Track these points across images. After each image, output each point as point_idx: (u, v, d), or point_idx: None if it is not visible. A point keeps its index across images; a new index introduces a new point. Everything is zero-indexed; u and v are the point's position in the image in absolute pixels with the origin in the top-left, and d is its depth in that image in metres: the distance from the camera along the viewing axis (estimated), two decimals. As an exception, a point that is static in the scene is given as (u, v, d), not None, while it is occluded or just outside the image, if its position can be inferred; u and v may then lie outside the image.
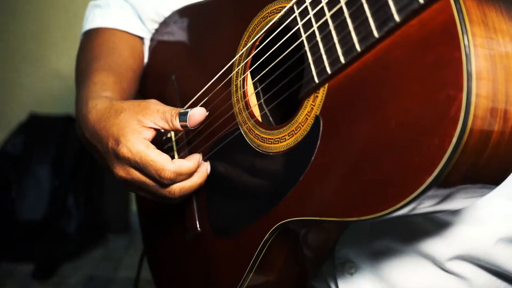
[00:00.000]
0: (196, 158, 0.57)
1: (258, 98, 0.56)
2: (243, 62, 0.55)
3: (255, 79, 0.56)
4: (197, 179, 0.57)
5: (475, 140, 0.33)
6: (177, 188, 0.55)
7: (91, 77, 0.66)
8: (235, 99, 0.56)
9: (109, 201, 2.25)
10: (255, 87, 0.56)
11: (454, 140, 0.32)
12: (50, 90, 2.34)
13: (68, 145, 2.15)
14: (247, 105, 0.54)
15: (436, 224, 0.57)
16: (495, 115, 0.34)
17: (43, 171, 2.09)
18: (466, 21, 0.32)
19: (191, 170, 0.56)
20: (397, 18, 0.35)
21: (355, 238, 0.61)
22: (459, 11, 0.32)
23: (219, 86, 0.58)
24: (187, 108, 0.56)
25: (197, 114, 0.54)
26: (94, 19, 0.76)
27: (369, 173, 0.39)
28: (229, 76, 0.57)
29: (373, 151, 0.38)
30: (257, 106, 0.55)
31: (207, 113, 0.56)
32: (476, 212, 0.56)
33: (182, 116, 0.54)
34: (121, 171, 0.56)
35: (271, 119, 0.58)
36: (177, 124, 0.55)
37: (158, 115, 0.55)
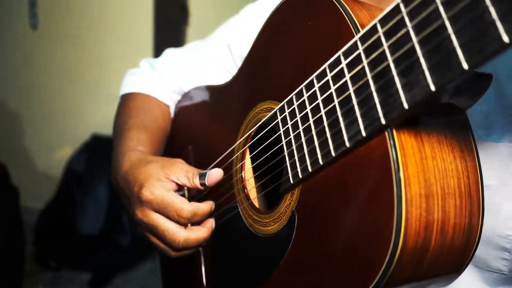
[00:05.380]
0: (210, 203, 0.63)
1: (255, 182, 0.62)
2: (241, 149, 0.62)
3: (252, 165, 0.62)
4: (201, 233, 0.62)
5: (409, 254, 0.37)
6: (182, 238, 0.60)
7: (128, 133, 0.75)
8: (235, 180, 0.63)
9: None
10: (254, 172, 0.62)
11: (387, 256, 0.37)
12: (111, 113, 2.49)
13: (125, 165, 2.27)
14: (244, 188, 0.61)
15: None
16: (431, 231, 0.38)
17: (102, 189, 2.22)
18: (399, 156, 0.37)
19: (205, 212, 0.62)
20: (347, 144, 0.40)
21: None
22: (393, 146, 0.37)
23: (224, 166, 0.65)
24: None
25: (215, 174, 0.62)
26: (130, 85, 0.85)
27: (330, 271, 0.43)
28: (230, 160, 0.64)
29: (330, 252, 0.43)
30: (254, 189, 0.61)
31: (223, 175, 0.62)
32: None
33: (202, 176, 0.62)
34: (139, 213, 0.61)
35: (265, 202, 0.63)
36: (197, 182, 0.62)
37: (182, 172, 0.63)
